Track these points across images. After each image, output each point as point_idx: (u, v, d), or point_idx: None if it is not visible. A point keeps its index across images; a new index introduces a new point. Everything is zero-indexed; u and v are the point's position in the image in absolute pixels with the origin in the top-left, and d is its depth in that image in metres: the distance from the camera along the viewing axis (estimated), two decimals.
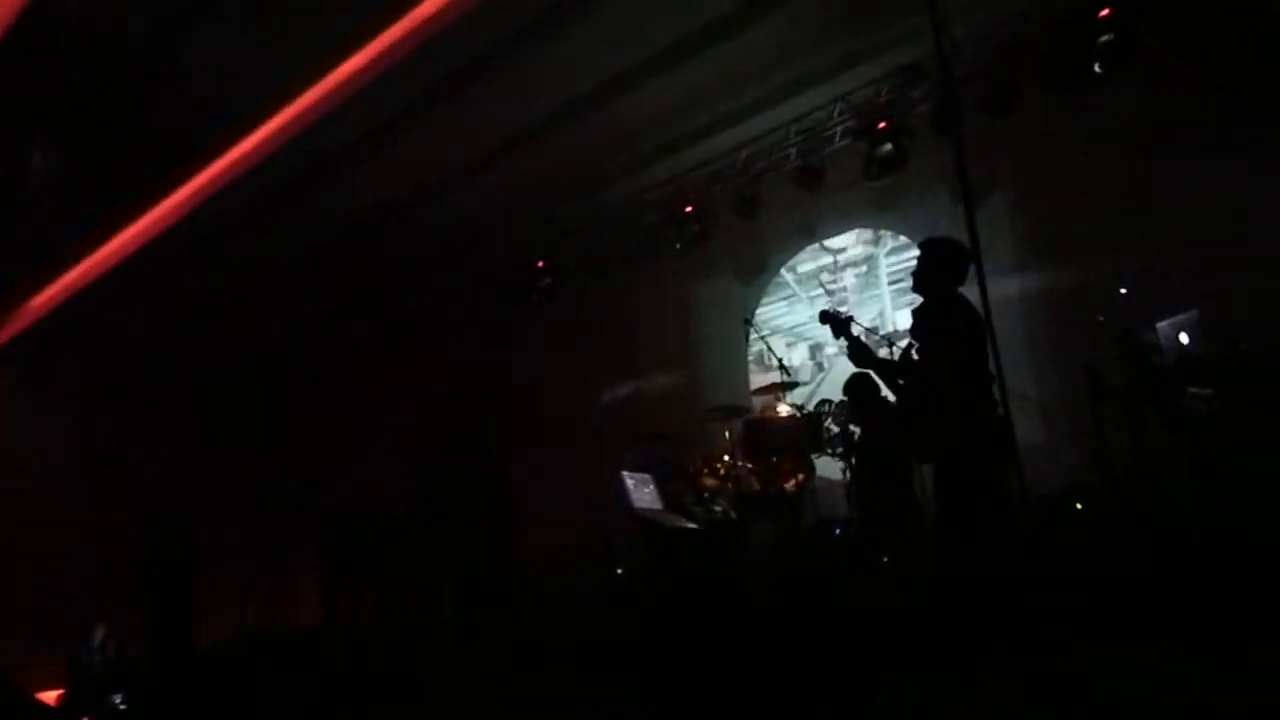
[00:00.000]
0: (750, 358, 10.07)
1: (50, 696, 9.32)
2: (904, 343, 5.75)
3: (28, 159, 7.91)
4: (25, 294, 10.30)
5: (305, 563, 11.43)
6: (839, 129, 9.14)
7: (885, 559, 6.36)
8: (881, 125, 8.62)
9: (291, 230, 9.79)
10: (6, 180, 8.10)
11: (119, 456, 11.54)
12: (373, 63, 7.39)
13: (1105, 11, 7.56)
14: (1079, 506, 6.25)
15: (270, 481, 12.22)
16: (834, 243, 9.69)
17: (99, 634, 9.59)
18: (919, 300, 5.16)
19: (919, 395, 5.09)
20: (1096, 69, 7.67)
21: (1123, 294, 6.56)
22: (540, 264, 10.85)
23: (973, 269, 4.63)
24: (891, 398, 7.12)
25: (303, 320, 11.74)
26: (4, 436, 11.21)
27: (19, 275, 9.96)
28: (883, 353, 6.73)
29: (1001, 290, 4.30)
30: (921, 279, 5.14)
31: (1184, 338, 5.88)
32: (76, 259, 9.66)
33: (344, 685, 6.63)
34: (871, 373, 6.85)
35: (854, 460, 7.37)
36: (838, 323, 5.25)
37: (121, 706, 8.66)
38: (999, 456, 4.65)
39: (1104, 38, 7.60)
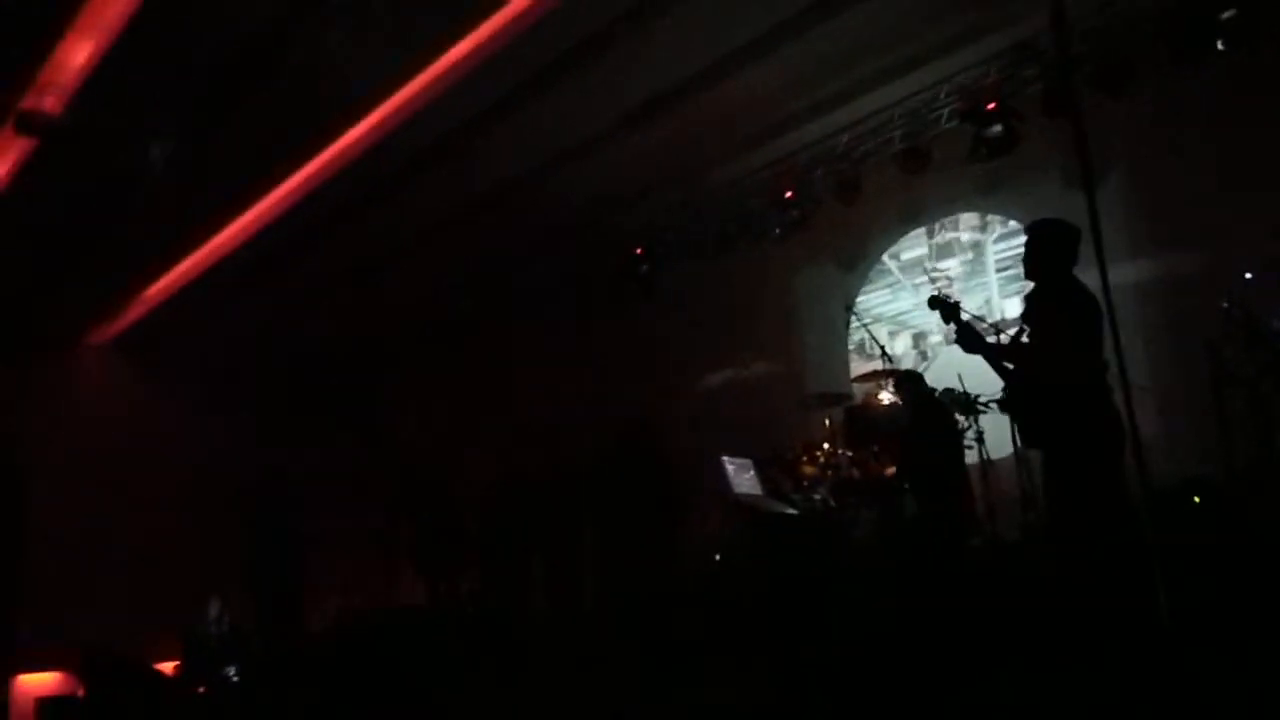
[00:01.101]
0: (851, 346, 9.93)
1: (167, 668, 9.69)
2: (1012, 330, 5.61)
3: (146, 151, 8.20)
4: (142, 283, 10.75)
5: (408, 546, 11.69)
6: (945, 111, 8.92)
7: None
8: (990, 106, 8.40)
9: (396, 217, 9.98)
10: (126, 172, 8.41)
11: (231, 437, 11.95)
12: (476, 51, 7.51)
13: None
14: (1196, 500, 6.03)
15: (377, 464, 12.50)
16: (943, 265, 9.49)
17: (214, 607, 9.91)
18: (1027, 288, 5.04)
19: (1030, 382, 4.97)
20: (1219, 46, 7.36)
21: (1248, 279, 6.27)
22: (638, 250, 10.88)
23: (1091, 252, 4.49)
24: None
25: (411, 305, 11.95)
26: (124, 419, 11.72)
27: (137, 265, 10.38)
28: (990, 340, 6.59)
29: (1116, 275, 4.16)
30: (1032, 263, 5.02)
31: None
32: (190, 249, 10.04)
33: (444, 665, 6.76)
34: (922, 372, 6.91)
35: (904, 456, 7.31)
36: (947, 307, 5.14)
37: (235, 679, 8.96)
38: (1113, 447, 4.51)
39: (1226, 14, 7.29)
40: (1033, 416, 5.01)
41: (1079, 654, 4.19)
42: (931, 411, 7.05)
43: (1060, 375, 4.69)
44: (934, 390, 7.33)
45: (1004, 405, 6.33)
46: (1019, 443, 5.90)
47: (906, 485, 7.24)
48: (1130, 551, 4.43)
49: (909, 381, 7.35)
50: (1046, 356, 4.78)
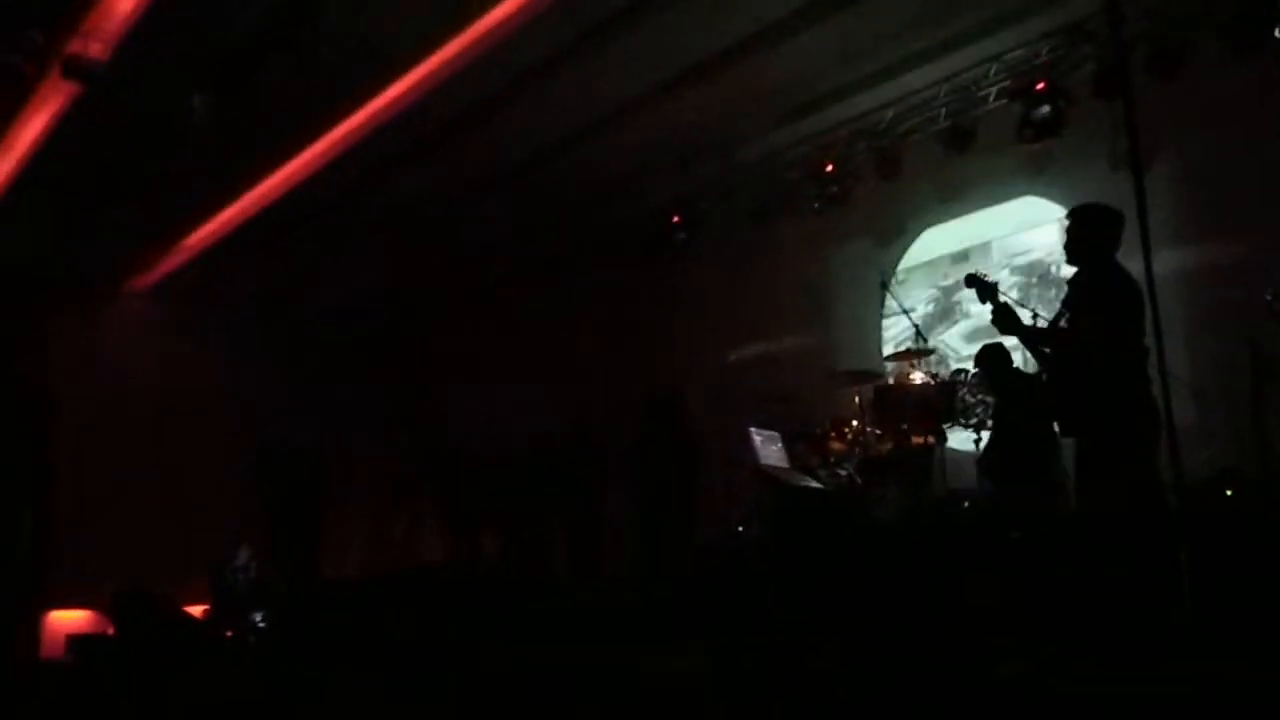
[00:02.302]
0: (885, 324, 9.87)
1: (196, 611, 9.87)
2: (1050, 313, 5.55)
3: (187, 103, 8.23)
4: (181, 232, 10.84)
5: (432, 502, 11.81)
6: (993, 90, 8.80)
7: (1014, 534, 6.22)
8: (1039, 87, 8.27)
9: (432, 178, 9.99)
10: (168, 119, 8.46)
11: (262, 388, 12.08)
12: (517, 12, 7.46)
13: None
14: (1229, 494, 5.98)
15: (405, 420, 12.60)
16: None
17: (243, 554, 10.07)
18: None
19: (1065, 366, 4.93)
20: (1277, 34, 7.21)
21: None
22: (676, 218, 10.84)
23: (1134, 238, 4.43)
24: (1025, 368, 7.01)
25: (443, 267, 11.98)
26: (156, 366, 11.86)
27: (176, 214, 10.47)
28: (1027, 322, 6.51)
29: (1159, 264, 4.11)
30: (1074, 247, 4.97)
31: None
32: (230, 199, 10.10)
33: (460, 619, 6.83)
34: (1004, 343, 6.73)
35: (988, 434, 7.20)
36: (984, 287, 5.09)
37: (261, 625, 9.11)
38: (1149, 436, 4.47)
39: None
40: (1069, 402, 4.97)
41: (1102, 640, 4.18)
42: (1022, 386, 6.82)
43: (1099, 361, 4.65)
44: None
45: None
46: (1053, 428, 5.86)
47: (987, 467, 7.00)
48: (1159, 541, 4.42)
49: (993, 358, 6.99)
50: (1086, 342, 4.74)
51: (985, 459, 6.96)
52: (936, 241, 9.69)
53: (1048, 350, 5.04)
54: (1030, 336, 5.10)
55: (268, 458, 11.26)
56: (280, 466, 11.22)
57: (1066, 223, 5.04)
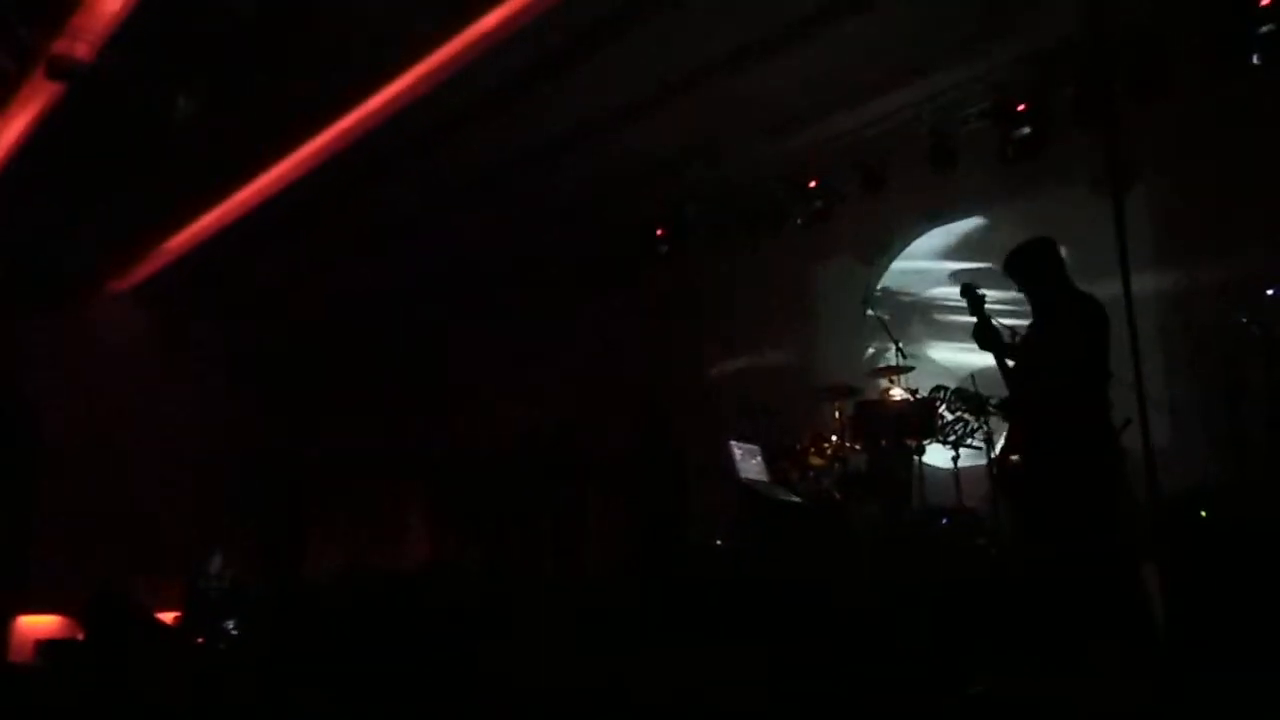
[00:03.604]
0: (867, 340, 9.90)
1: (168, 618, 9.77)
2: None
3: (172, 105, 8.19)
4: (164, 234, 10.78)
5: (416, 505, 11.76)
6: (976, 109, 8.86)
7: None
8: (1021, 107, 8.34)
9: (416, 183, 9.97)
10: (149, 125, 8.41)
11: (244, 391, 12.01)
12: (506, 21, 7.48)
13: (1266, 1, 7.17)
14: (1203, 514, 6.01)
15: (390, 425, 12.54)
16: None
17: (216, 561, 9.99)
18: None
19: (1027, 389, 4.97)
20: (1255, 60, 7.30)
21: (1270, 295, 6.24)
22: (659, 231, 10.84)
23: (1116, 260, 4.47)
24: None
25: (431, 270, 11.94)
26: (135, 369, 11.78)
27: (159, 215, 10.41)
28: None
29: (1136, 284, 4.18)
30: (1030, 288, 5.03)
31: None
32: (214, 202, 10.06)
33: (445, 625, 6.78)
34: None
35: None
36: (975, 298, 5.11)
37: (234, 632, 9.02)
38: (1102, 462, 4.52)
39: (1264, 28, 7.22)
40: (1025, 422, 5.03)
41: (1071, 659, 4.20)
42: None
43: (1056, 384, 4.71)
44: None
45: (1003, 408, 6.29)
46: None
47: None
48: (1112, 566, 4.44)
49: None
50: (1045, 364, 4.79)
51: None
52: (919, 259, 9.74)
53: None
54: (1005, 354, 5.12)
55: (250, 462, 11.18)
56: (263, 471, 11.15)
57: (1011, 276, 5.07)
